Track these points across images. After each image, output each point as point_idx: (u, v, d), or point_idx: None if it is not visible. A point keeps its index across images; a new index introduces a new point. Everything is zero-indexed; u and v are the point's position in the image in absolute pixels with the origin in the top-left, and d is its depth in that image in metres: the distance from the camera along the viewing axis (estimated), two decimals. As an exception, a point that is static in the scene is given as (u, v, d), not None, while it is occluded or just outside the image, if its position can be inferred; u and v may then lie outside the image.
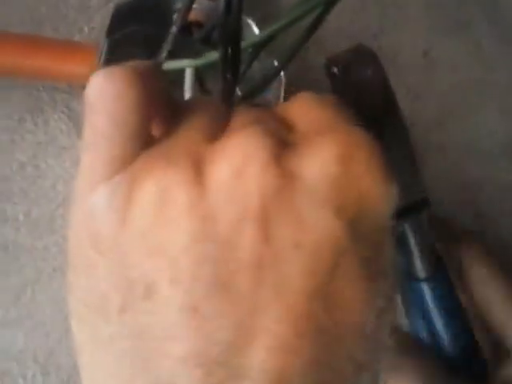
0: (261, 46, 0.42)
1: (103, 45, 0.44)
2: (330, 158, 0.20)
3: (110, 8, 0.46)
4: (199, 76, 0.45)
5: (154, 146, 0.21)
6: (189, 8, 0.39)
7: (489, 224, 0.70)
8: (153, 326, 0.19)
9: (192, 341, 0.18)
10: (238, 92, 0.53)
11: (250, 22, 0.48)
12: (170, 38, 0.39)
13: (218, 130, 0.22)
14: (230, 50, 0.36)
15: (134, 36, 0.47)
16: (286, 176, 0.19)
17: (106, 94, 0.21)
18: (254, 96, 0.51)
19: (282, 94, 0.52)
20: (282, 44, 0.49)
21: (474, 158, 0.74)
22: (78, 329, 0.20)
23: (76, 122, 0.46)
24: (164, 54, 0.40)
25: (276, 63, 0.51)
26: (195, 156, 0.20)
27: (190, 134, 0.21)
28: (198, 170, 0.20)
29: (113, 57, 0.46)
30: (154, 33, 0.46)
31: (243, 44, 0.46)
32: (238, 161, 0.19)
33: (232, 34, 0.33)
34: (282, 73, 0.52)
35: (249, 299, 0.18)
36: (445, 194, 0.68)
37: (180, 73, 0.45)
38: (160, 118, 0.23)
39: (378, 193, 0.20)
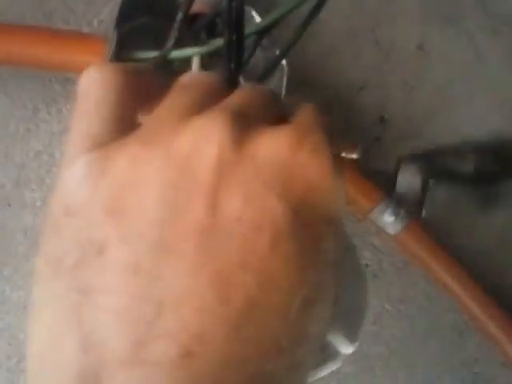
0: (264, 32, 0.43)
1: (112, 36, 0.45)
2: (282, 143, 0.21)
3: (117, 1, 0.47)
4: (205, 65, 0.46)
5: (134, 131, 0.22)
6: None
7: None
8: (97, 282, 0.19)
9: (127, 296, 0.19)
10: (242, 81, 0.54)
11: (253, 13, 0.49)
12: (176, 26, 0.40)
13: (199, 111, 0.22)
14: (234, 37, 0.37)
15: (141, 27, 0.48)
16: (240, 156, 0.20)
17: (93, 81, 0.23)
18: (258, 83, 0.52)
19: (285, 83, 0.53)
20: (284, 33, 0.50)
21: (467, 146, 0.75)
22: (35, 288, 0.21)
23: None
24: (170, 43, 0.41)
25: (278, 52, 0.52)
26: (164, 132, 0.21)
27: (163, 113, 0.22)
28: (164, 144, 0.21)
29: (122, 48, 0.47)
30: (161, 24, 0.47)
31: (247, 30, 0.47)
32: (196, 139, 0.21)
33: (236, 20, 0.34)
34: (284, 63, 0.53)
35: (186, 263, 0.19)
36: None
37: (186, 63, 0.46)
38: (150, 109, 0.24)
39: (323, 184, 0.21)
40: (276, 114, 0.23)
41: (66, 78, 0.49)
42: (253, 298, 0.19)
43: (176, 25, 0.40)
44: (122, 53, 0.46)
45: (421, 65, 0.77)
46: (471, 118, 0.78)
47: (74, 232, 0.20)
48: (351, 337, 0.28)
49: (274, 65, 0.48)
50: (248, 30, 0.42)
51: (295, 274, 0.20)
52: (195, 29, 0.46)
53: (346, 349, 0.28)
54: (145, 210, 0.20)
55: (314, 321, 0.21)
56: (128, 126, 0.22)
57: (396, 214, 0.61)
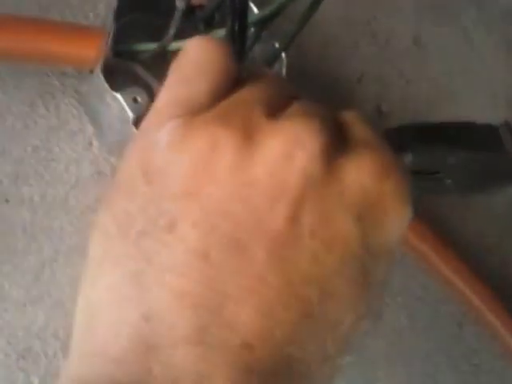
0: (264, 23, 0.43)
1: (110, 29, 0.45)
2: (369, 170, 0.21)
3: (115, -6, 0.46)
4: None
5: (217, 106, 0.22)
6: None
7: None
8: (163, 257, 0.20)
9: (194, 281, 0.19)
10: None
11: (251, 4, 0.48)
12: (176, 17, 0.40)
13: (279, 107, 0.23)
14: (236, 27, 0.36)
15: (139, 20, 0.47)
16: (328, 172, 0.21)
17: (204, 50, 0.23)
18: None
19: (284, 75, 0.53)
20: (282, 27, 0.49)
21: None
22: (95, 241, 0.22)
23: (86, 106, 0.47)
24: (170, 34, 0.41)
25: (277, 45, 0.52)
26: (250, 124, 0.21)
27: (250, 101, 0.22)
28: (250, 137, 0.21)
29: (119, 41, 0.46)
30: (157, 19, 0.46)
31: (248, 20, 0.46)
32: (291, 142, 0.21)
33: (240, 8, 0.33)
34: (283, 55, 0.52)
35: (256, 266, 0.20)
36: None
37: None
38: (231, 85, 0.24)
39: (395, 219, 0.22)
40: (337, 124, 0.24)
41: (64, 72, 0.48)
42: (312, 309, 0.20)
43: (176, 15, 0.39)
44: (119, 46, 0.46)
45: (417, 58, 0.77)
46: (467, 111, 0.78)
47: (146, 199, 0.21)
48: (372, 315, 0.29)
49: (274, 57, 0.48)
50: (250, 19, 0.42)
51: (355, 293, 0.21)
52: (195, 20, 0.45)
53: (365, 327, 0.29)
54: (221, 200, 0.20)
55: (358, 332, 0.22)
56: (217, 97, 0.22)
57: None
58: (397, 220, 0.22)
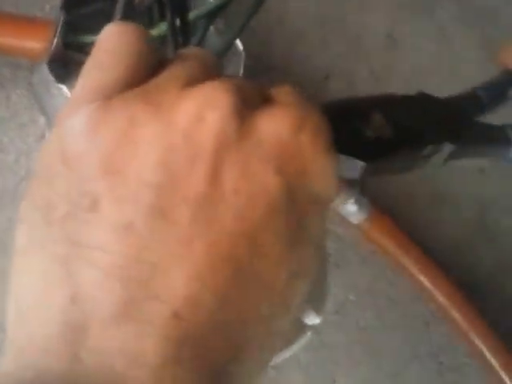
0: (210, 16, 0.42)
1: (58, 20, 0.44)
2: (284, 122, 0.21)
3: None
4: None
5: (135, 89, 0.22)
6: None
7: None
8: (88, 237, 0.20)
9: (119, 255, 0.19)
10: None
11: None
12: (118, 8, 0.40)
13: (199, 82, 0.22)
14: (176, 20, 0.36)
15: (88, 11, 0.47)
16: (243, 128, 0.21)
17: (117, 35, 0.23)
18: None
19: (242, 69, 0.52)
20: (237, 17, 0.49)
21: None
22: (20, 232, 0.21)
23: (36, 98, 0.46)
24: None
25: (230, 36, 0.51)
26: (167, 96, 0.21)
27: (169, 78, 0.22)
28: (166, 107, 0.21)
29: (73, 32, 0.46)
30: (108, 8, 0.46)
31: (192, 14, 0.46)
32: (202, 104, 0.21)
33: (178, 4, 0.33)
34: (241, 48, 0.52)
35: (181, 230, 0.20)
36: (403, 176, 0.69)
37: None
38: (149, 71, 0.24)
39: (318, 168, 0.22)
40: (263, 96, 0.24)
41: (15, 63, 0.48)
42: (242, 268, 0.20)
43: (119, 5, 0.39)
44: (69, 36, 0.45)
45: (389, 54, 0.76)
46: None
47: (67, 183, 0.20)
48: (318, 308, 0.29)
49: (225, 47, 0.47)
50: (193, 14, 0.42)
51: (284, 247, 0.21)
52: (139, 10, 0.45)
53: (313, 320, 0.28)
54: (142, 171, 0.20)
55: (296, 294, 0.22)
56: (133, 83, 0.22)
57: (359, 203, 0.60)
58: (319, 169, 0.22)
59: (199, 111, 0.21)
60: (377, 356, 0.63)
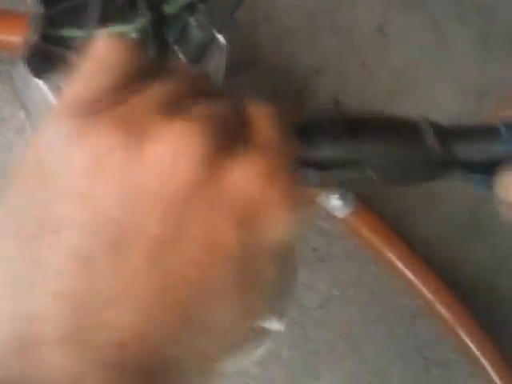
0: (191, 8, 0.42)
1: (37, 13, 0.44)
2: (253, 178, 0.22)
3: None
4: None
5: (116, 107, 0.22)
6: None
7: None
8: (48, 260, 0.20)
9: (75, 284, 0.20)
10: (183, 58, 0.53)
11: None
12: (96, 2, 0.40)
13: (183, 106, 0.23)
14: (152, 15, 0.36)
15: (68, 5, 0.47)
16: (211, 178, 0.21)
17: (101, 43, 0.24)
18: (197, 61, 0.51)
19: (224, 63, 0.52)
20: (220, 9, 0.49)
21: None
22: None
23: (16, 92, 0.46)
24: (92, 20, 0.41)
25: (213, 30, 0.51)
26: (144, 125, 0.21)
27: (150, 101, 0.23)
28: (141, 139, 0.21)
29: (53, 26, 0.46)
30: (87, 1, 0.46)
31: (171, 7, 0.46)
32: (174, 148, 0.21)
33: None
34: (224, 42, 0.52)
35: (135, 269, 0.20)
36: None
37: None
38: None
39: (279, 223, 0.22)
40: (239, 120, 0.24)
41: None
42: (190, 313, 0.21)
43: (95, 2, 0.39)
44: (48, 30, 0.45)
45: (380, 48, 0.76)
46: (430, 104, 0.77)
47: (40, 201, 0.21)
48: (277, 313, 0.29)
49: (207, 40, 0.47)
50: (169, 7, 0.42)
51: (235, 296, 0.22)
52: (117, 4, 0.45)
53: (274, 326, 0.29)
54: (105, 203, 0.21)
55: (245, 332, 0.23)
56: (119, 103, 0.23)
57: (344, 198, 0.60)
58: (279, 227, 0.22)
59: (171, 155, 0.21)
60: (361, 351, 0.63)
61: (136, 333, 0.20)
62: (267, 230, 0.22)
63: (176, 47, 0.48)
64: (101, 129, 0.21)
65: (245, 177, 0.22)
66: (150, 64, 0.25)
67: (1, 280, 0.21)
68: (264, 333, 0.30)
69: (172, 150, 0.21)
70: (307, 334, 0.59)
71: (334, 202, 0.60)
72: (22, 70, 0.42)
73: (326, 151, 0.31)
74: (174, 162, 0.21)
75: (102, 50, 0.24)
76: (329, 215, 0.63)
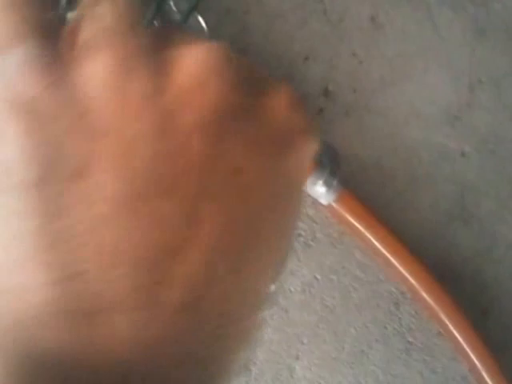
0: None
1: None
2: (289, 107, 0.22)
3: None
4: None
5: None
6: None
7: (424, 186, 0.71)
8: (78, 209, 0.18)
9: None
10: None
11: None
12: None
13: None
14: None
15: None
16: (246, 105, 0.21)
17: None
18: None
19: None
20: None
21: (415, 123, 0.75)
22: None
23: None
24: (62, 4, 0.41)
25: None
26: (168, 51, 0.20)
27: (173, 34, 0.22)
28: (168, 63, 0.20)
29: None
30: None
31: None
32: (205, 68, 0.20)
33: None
34: (204, 25, 0.52)
35: (193, 207, 0.19)
36: (383, 158, 0.69)
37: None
38: None
39: (307, 156, 0.23)
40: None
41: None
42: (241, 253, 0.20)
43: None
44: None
45: (372, 36, 0.76)
46: (423, 93, 0.78)
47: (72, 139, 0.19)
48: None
49: (187, 14, 0.47)
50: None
51: (270, 231, 0.21)
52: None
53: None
54: (142, 143, 0.19)
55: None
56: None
57: (328, 185, 0.61)
58: (307, 156, 0.23)
59: (203, 76, 0.19)
60: (342, 335, 0.64)
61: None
62: (299, 159, 0.22)
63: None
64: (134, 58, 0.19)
65: (283, 105, 0.21)
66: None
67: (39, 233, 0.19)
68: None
69: (202, 72, 0.19)
70: (290, 317, 0.61)
71: (318, 189, 0.61)
72: None
73: None
74: (204, 84, 0.19)
75: None
76: (314, 202, 0.64)
